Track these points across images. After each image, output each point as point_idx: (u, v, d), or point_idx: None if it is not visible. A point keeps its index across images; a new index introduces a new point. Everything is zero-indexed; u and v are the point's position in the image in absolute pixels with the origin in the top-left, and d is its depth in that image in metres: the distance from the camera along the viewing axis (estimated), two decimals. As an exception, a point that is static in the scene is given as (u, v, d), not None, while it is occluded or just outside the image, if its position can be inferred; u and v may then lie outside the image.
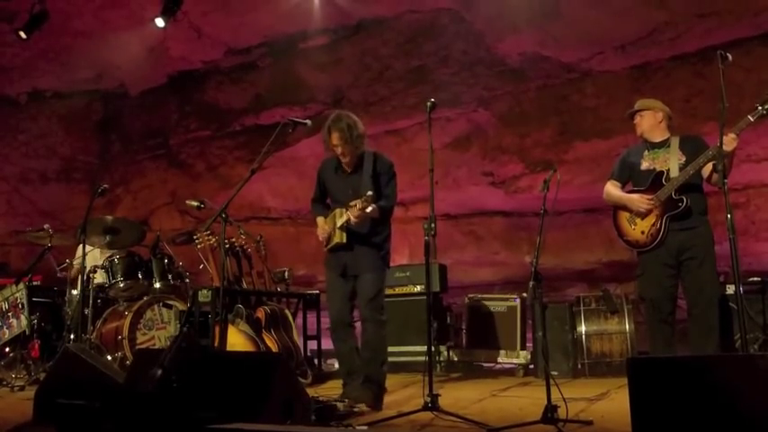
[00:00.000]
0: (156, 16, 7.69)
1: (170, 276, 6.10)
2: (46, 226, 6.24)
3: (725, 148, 3.77)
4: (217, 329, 4.78)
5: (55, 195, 10.56)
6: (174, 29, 8.38)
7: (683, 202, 4.19)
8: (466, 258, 9.40)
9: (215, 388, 3.05)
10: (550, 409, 3.38)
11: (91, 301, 5.63)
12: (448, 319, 6.40)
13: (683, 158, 4.28)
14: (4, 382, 5.42)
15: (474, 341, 6.23)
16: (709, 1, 6.98)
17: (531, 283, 3.65)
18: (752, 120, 3.96)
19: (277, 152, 8.42)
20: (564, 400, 3.44)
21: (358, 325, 4.44)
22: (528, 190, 8.45)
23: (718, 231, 4.10)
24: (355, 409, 3.96)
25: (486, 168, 8.88)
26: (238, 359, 3.67)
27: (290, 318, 5.80)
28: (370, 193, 4.01)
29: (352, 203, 4.07)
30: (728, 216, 3.44)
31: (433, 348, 4.61)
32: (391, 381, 4.57)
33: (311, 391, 4.26)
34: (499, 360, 6.08)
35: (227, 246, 5.56)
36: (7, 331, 6.15)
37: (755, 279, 5.40)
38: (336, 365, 5.99)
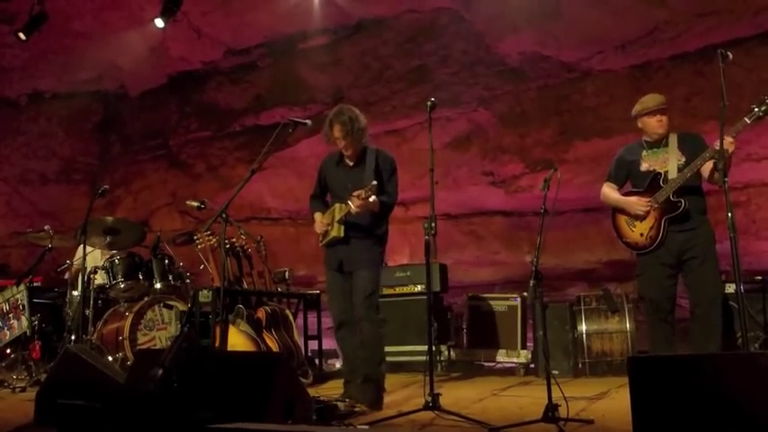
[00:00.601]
0: (156, 17, 7.68)
1: (170, 277, 6.10)
2: (46, 227, 6.24)
3: (728, 148, 3.77)
4: (217, 330, 4.79)
5: (55, 196, 10.56)
6: (173, 29, 8.38)
7: (681, 204, 4.18)
8: (466, 258, 9.39)
9: (216, 388, 3.05)
10: (551, 409, 3.38)
11: (91, 302, 5.63)
12: (448, 318, 6.40)
13: (683, 159, 4.25)
14: (6, 384, 5.42)
15: (474, 340, 6.23)
16: (710, 0, 6.98)
17: (531, 282, 3.65)
18: (748, 122, 3.94)
19: (277, 152, 8.42)
20: (565, 399, 3.44)
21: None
22: (528, 189, 8.45)
23: (719, 230, 4.10)
24: (356, 409, 3.96)
25: (487, 168, 8.88)
26: (239, 359, 3.67)
27: (291, 318, 5.81)
28: (374, 182, 4.01)
29: (355, 193, 4.06)
30: (729, 215, 3.43)
31: (433, 348, 4.61)
32: (392, 380, 4.57)
33: (312, 391, 4.26)
34: (500, 359, 6.08)
35: (228, 246, 5.56)
36: (8, 332, 6.15)
37: (757, 278, 5.39)
38: (337, 365, 6.01)
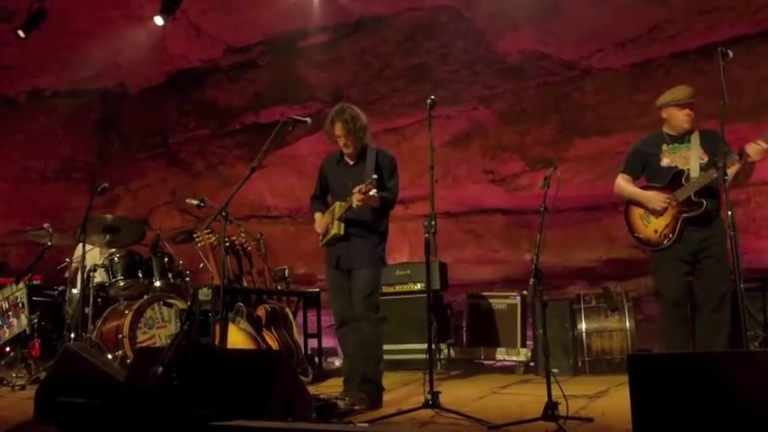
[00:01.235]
0: (155, 15, 7.67)
1: (170, 275, 6.10)
2: (46, 225, 6.24)
3: (754, 158, 3.83)
4: (217, 328, 4.78)
5: (54, 194, 10.56)
6: (173, 27, 8.37)
7: (702, 205, 4.07)
8: (466, 256, 9.40)
9: (216, 386, 3.04)
10: (551, 407, 3.38)
11: (91, 300, 5.63)
12: (448, 316, 6.40)
13: (705, 157, 4.13)
14: (5, 381, 5.42)
15: (474, 339, 6.22)
16: (709, -2, 7.00)
17: (531, 280, 3.64)
18: None
19: (277, 150, 8.41)
20: (564, 397, 3.44)
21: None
22: (528, 188, 8.45)
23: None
24: (356, 407, 3.96)
25: (487, 166, 8.89)
26: (239, 357, 3.67)
27: (291, 316, 5.80)
28: (374, 176, 4.01)
29: (355, 189, 4.06)
30: (729, 213, 3.44)
31: (433, 346, 4.62)
32: (392, 379, 4.57)
33: (312, 389, 4.25)
34: (499, 357, 6.08)
35: (228, 244, 5.56)
36: (8, 330, 6.15)
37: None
38: (337, 363, 6.00)
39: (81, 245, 5.48)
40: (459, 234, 9.50)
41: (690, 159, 4.17)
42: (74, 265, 6.22)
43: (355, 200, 4.06)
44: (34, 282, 6.51)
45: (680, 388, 2.53)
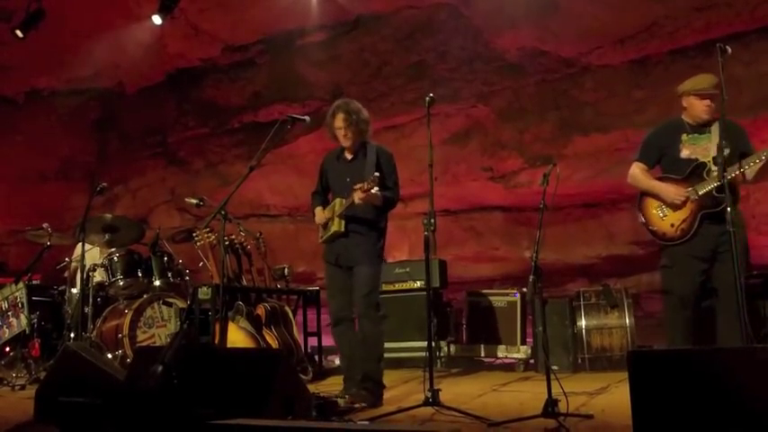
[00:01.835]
0: (153, 14, 7.67)
1: (170, 274, 6.10)
2: (45, 225, 6.24)
3: None
4: (217, 327, 4.79)
5: (54, 194, 10.56)
6: (171, 26, 8.37)
7: (723, 201, 3.76)
8: (466, 254, 9.40)
9: (216, 385, 3.04)
10: (551, 404, 3.38)
11: (91, 300, 5.62)
12: (448, 314, 6.40)
13: (727, 150, 3.82)
14: (5, 381, 5.42)
15: (474, 336, 6.23)
16: (708, -6, 6.99)
17: (530, 277, 3.64)
18: None
19: (276, 149, 8.39)
20: (564, 394, 3.44)
21: (358, 319, 4.43)
22: (527, 185, 8.46)
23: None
24: (356, 405, 3.96)
25: (486, 164, 8.89)
26: (239, 356, 3.67)
27: (291, 314, 5.80)
28: (376, 174, 4.00)
29: (357, 186, 4.05)
30: (728, 210, 3.42)
31: (433, 344, 4.62)
32: (392, 376, 4.57)
33: (312, 388, 4.26)
34: (499, 355, 6.08)
35: (227, 243, 5.56)
36: (7, 330, 6.15)
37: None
38: (337, 362, 6.00)
39: (80, 244, 5.48)
40: (458, 232, 9.50)
41: (710, 152, 3.96)
42: (73, 264, 6.22)
43: (357, 197, 4.05)
44: (34, 281, 6.51)
45: (680, 384, 2.53)
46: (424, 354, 4.91)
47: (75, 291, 6.05)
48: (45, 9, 7.54)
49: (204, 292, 5.33)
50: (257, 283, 5.89)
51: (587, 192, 8.29)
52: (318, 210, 4.49)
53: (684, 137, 4.09)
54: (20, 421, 3.71)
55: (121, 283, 6.02)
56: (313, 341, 6.10)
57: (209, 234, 5.68)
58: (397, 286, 6.36)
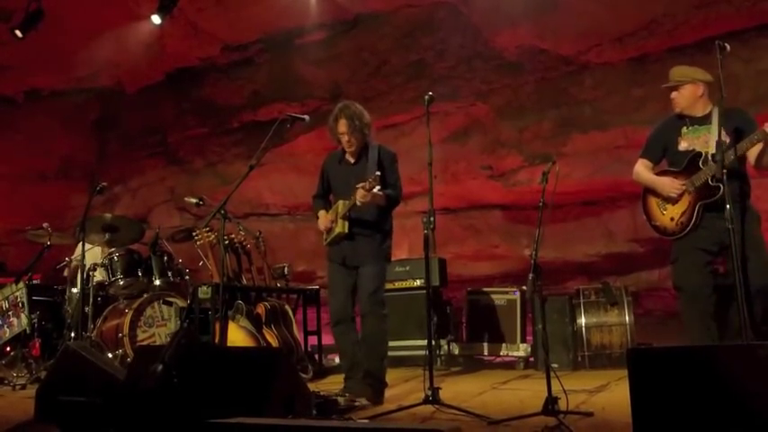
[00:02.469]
0: (153, 13, 7.67)
1: (170, 273, 6.11)
2: (45, 224, 6.25)
3: None
4: (217, 326, 4.80)
5: (53, 194, 10.56)
6: (170, 26, 8.36)
7: (719, 189, 3.71)
8: (465, 252, 9.40)
9: (216, 384, 3.05)
10: (551, 401, 3.38)
11: (91, 299, 5.63)
12: (448, 312, 6.41)
13: (728, 139, 3.78)
14: (6, 381, 5.43)
15: (474, 334, 6.23)
16: (707, -9, 6.98)
17: (530, 275, 3.64)
18: None
19: (275, 148, 8.41)
20: (564, 392, 3.44)
21: (359, 319, 4.43)
22: (527, 183, 8.45)
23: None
24: (356, 404, 3.97)
25: (485, 162, 8.88)
26: (239, 355, 3.67)
27: (291, 313, 5.81)
28: (377, 173, 4.01)
29: (359, 185, 4.05)
30: (727, 207, 3.41)
31: (433, 342, 4.62)
32: (392, 375, 4.57)
33: (312, 386, 4.25)
34: (499, 353, 6.09)
35: (227, 242, 5.56)
36: (8, 330, 6.16)
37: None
38: (337, 360, 6.00)
39: (80, 244, 5.49)
40: (458, 230, 9.50)
41: (710, 142, 3.87)
42: (73, 264, 6.23)
43: (359, 196, 4.06)
44: (34, 281, 6.52)
45: (680, 382, 2.54)
46: (424, 352, 4.91)
47: (75, 290, 6.06)
48: (44, 9, 7.54)
49: (204, 292, 5.33)
50: (257, 282, 5.89)
51: (587, 190, 8.29)
52: (322, 213, 4.48)
53: (685, 129, 4.04)
54: (20, 421, 3.72)
55: (121, 283, 6.03)
56: (313, 340, 6.10)
57: (209, 233, 5.68)
58: (397, 285, 6.36)
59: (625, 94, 7.76)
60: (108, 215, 6.22)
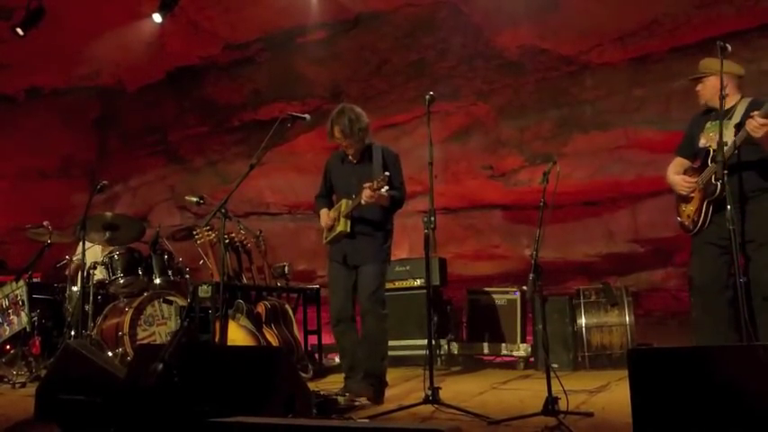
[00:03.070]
0: (154, 12, 7.67)
1: (170, 272, 6.10)
2: (45, 223, 6.24)
3: (754, 135, 3.54)
4: (217, 325, 4.79)
5: (54, 192, 10.56)
6: (171, 24, 8.36)
7: (717, 188, 3.71)
8: (466, 252, 9.40)
9: (216, 383, 3.05)
10: (551, 402, 3.38)
11: (91, 298, 5.63)
12: (448, 312, 6.41)
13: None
14: (6, 379, 5.43)
15: (474, 334, 6.23)
16: (708, -9, 6.97)
17: (530, 275, 3.64)
18: None
19: (276, 147, 8.41)
20: (564, 392, 3.44)
21: (359, 318, 4.43)
22: (527, 183, 8.45)
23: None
24: (356, 403, 3.97)
25: (486, 162, 8.88)
26: (239, 354, 3.67)
27: (291, 312, 5.81)
28: (386, 173, 4.01)
29: (366, 185, 4.06)
30: (728, 207, 3.41)
31: (433, 342, 4.62)
32: (392, 374, 4.57)
33: (312, 386, 4.26)
34: (500, 353, 6.09)
35: (227, 241, 5.56)
36: (8, 328, 6.15)
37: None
38: (337, 360, 6.00)
39: (81, 242, 5.49)
40: (458, 230, 9.50)
41: (724, 137, 3.65)
42: (74, 262, 6.23)
43: (365, 196, 4.06)
44: (34, 279, 6.51)
45: (680, 382, 2.54)
46: (424, 352, 4.91)
47: (75, 289, 6.06)
48: (45, 7, 7.54)
49: (204, 290, 5.33)
50: (257, 282, 5.89)
51: (587, 190, 8.29)
52: (324, 212, 4.49)
53: (708, 124, 3.97)
54: (20, 419, 3.72)
55: (122, 281, 6.03)
56: (313, 339, 6.10)
57: (210, 232, 5.68)
58: (398, 284, 6.36)
59: (626, 94, 7.76)
60: (108, 214, 6.21)
